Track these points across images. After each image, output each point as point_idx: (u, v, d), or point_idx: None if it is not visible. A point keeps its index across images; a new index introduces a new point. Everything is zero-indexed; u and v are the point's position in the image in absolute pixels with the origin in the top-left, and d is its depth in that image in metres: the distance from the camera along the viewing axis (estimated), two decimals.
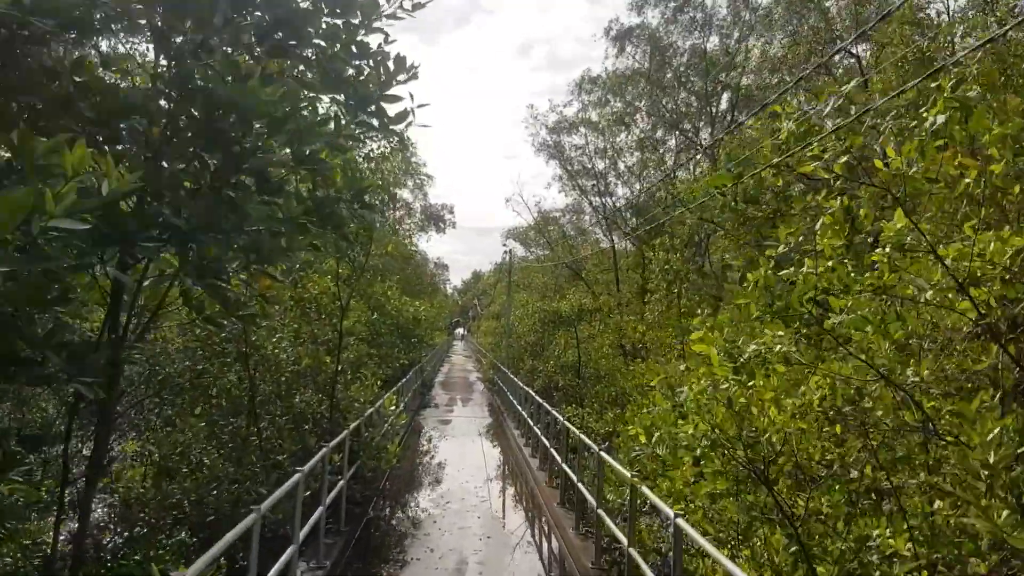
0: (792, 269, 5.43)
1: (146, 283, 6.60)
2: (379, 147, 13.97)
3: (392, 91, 6.12)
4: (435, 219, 47.98)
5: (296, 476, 6.98)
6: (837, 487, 6.31)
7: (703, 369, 5.94)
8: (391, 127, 6.36)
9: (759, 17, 38.78)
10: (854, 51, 25.70)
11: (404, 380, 21.24)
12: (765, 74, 36.62)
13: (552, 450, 14.28)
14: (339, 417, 11.60)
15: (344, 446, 10.31)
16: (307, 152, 5.86)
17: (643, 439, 6.85)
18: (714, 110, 43.96)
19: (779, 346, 5.40)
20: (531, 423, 18.31)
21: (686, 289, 20.66)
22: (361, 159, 11.54)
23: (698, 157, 46.54)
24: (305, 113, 5.77)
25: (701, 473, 7.36)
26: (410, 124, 6.35)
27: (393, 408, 13.40)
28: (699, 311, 20.60)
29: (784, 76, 29.14)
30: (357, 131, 6.35)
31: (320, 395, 11.82)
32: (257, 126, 5.19)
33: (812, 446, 6.13)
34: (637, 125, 47.57)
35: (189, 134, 5.08)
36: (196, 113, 5.01)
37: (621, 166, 50.24)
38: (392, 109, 6.20)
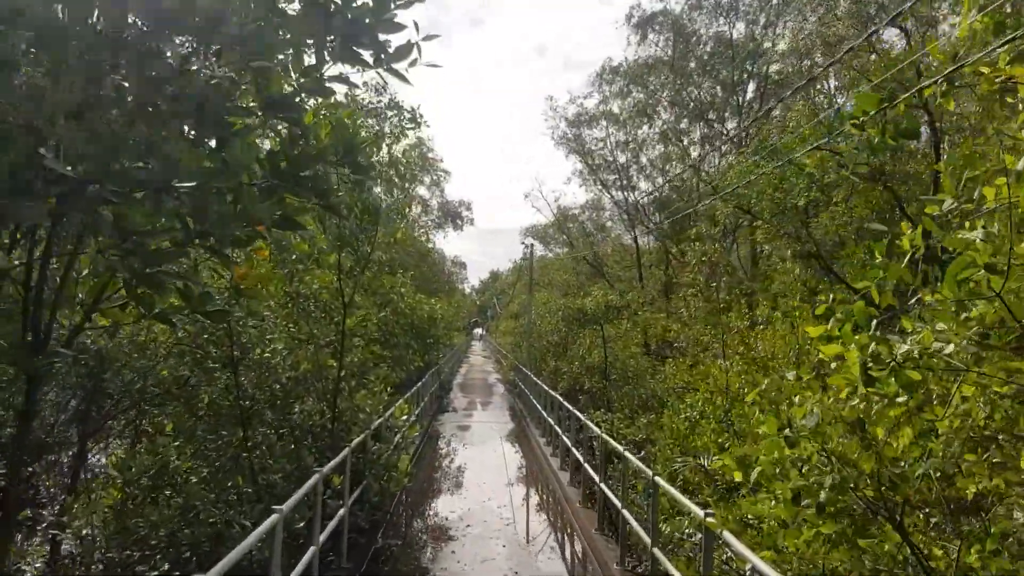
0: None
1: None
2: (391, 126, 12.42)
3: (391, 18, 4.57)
4: (452, 216, 46.52)
5: (273, 518, 5.42)
6: (990, 534, 4.67)
7: (836, 379, 4.26)
8: (391, 64, 4.76)
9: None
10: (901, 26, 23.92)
11: (419, 384, 19.66)
12: (793, 60, 34.98)
13: (587, 465, 12.71)
14: (342, 430, 10.06)
15: (345, 466, 8.77)
16: (277, 97, 4.36)
17: (737, 475, 5.13)
18: (741, 99, 42.30)
19: (950, 345, 3.72)
20: (558, 430, 16.73)
21: (725, 282, 18.98)
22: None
23: (724, 147, 44.91)
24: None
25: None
26: (415, 63, 4.76)
27: (405, 418, 11.85)
28: (735, 306, 18.84)
29: (816, 61, 27.44)
30: (345, 69, 4.77)
31: (322, 404, 10.29)
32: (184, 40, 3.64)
33: (967, 480, 4.47)
34: (660, 116, 45.98)
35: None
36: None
37: (643, 159, 48.68)
38: (389, 39, 4.65)
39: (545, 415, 19.87)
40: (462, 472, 16.29)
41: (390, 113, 18.51)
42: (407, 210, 10.01)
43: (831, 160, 23.18)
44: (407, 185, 45.56)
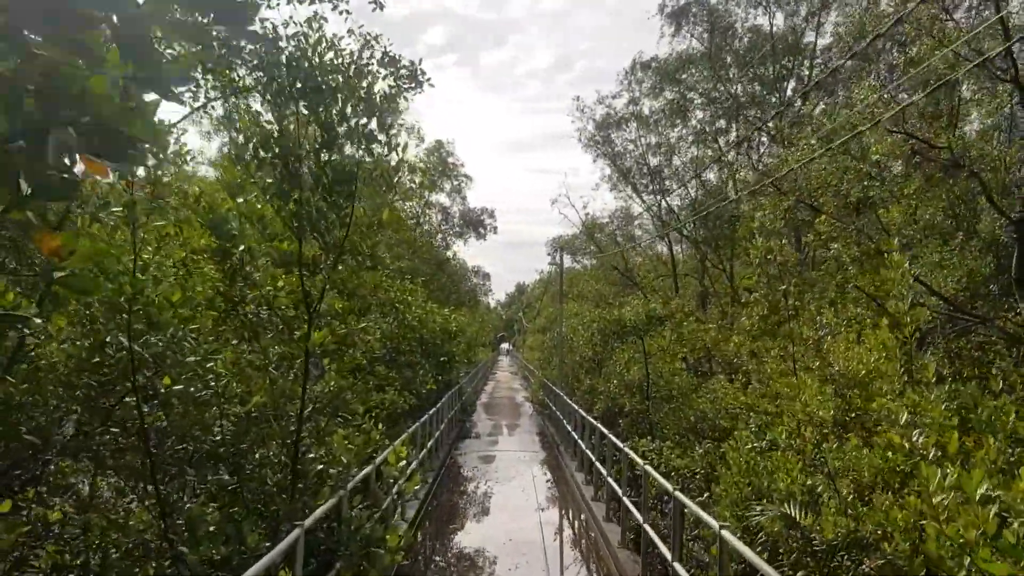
0: None
1: None
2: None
3: None
4: (475, 224, 43.61)
5: None
6: None
7: None
8: None
9: None
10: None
11: (431, 412, 16.58)
12: (837, 54, 32.04)
13: (647, 527, 9.69)
14: (308, 489, 7.12)
15: (296, 552, 5.84)
16: None
17: None
18: (783, 96, 39.26)
19: None
20: (601, 469, 13.68)
21: (795, 286, 15.87)
22: None
23: (763, 144, 41.79)
24: None
25: None
26: None
27: (403, 464, 8.84)
28: (803, 313, 15.68)
29: (864, 52, 24.36)
30: None
31: (283, 450, 7.37)
32: None
33: None
34: (695, 115, 43.09)
35: None
36: None
37: (676, 162, 45.81)
38: None
39: (583, 446, 16.81)
40: (484, 526, 13.27)
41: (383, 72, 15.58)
42: (396, 179, 6.96)
43: (903, 145, 19.99)
44: (426, 193, 42.97)
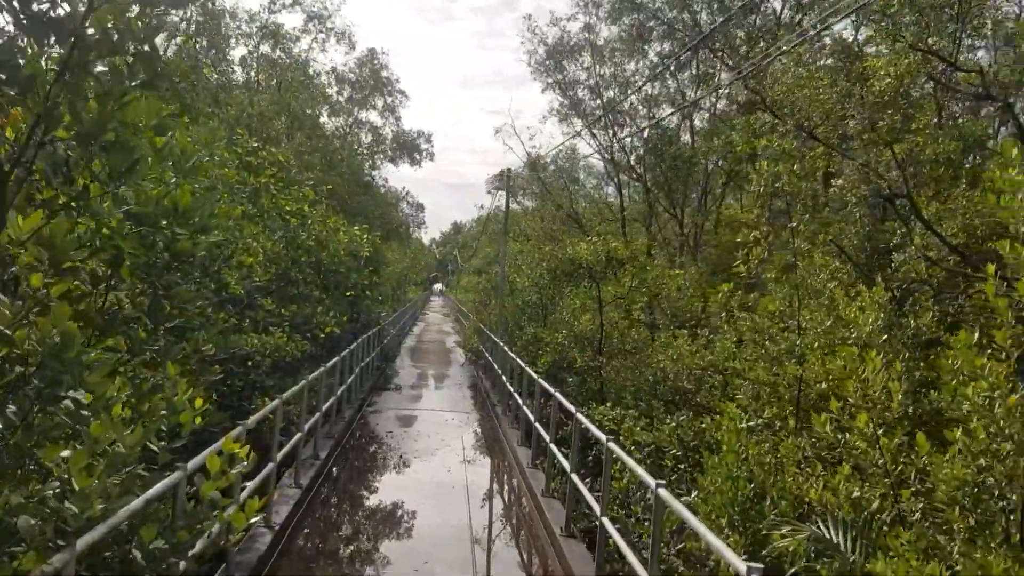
0: None
1: None
2: None
3: None
4: (409, 149, 39.24)
5: None
6: None
7: None
8: None
9: None
10: None
11: (332, 364, 12.67)
12: None
13: (617, 538, 6.19)
14: None
15: None
16: None
17: None
18: (754, 24, 35.70)
19: None
20: (559, 456, 10.11)
21: (806, 223, 12.47)
22: None
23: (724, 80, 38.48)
24: None
25: None
26: None
27: (239, 471, 4.90)
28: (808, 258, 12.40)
29: None
30: None
31: None
32: None
33: None
34: (653, 47, 39.54)
35: None
36: None
37: (632, 98, 42.26)
38: None
39: (526, 410, 13.30)
40: (390, 543, 9.46)
41: None
42: None
43: (920, 67, 16.55)
44: (355, 109, 38.46)
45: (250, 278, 11.32)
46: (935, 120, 18.50)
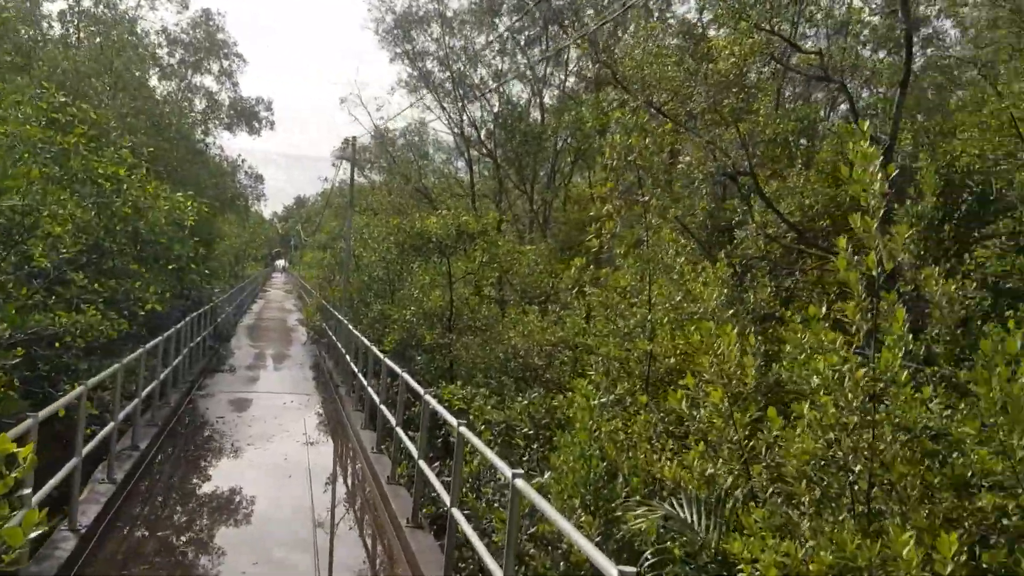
0: None
1: None
2: None
3: None
4: (248, 116, 37.03)
5: None
6: None
7: None
8: None
9: None
10: None
11: (153, 344, 11.46)
12: None
13: (480, 548, 5.70)
14: None
15: None
16: None
17: None
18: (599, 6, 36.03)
19: None
20: (403, 439, 9.44)
21: (659, 196, 12.39)
22: None
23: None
24: None
25: None
26: None
27: None
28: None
29: None
30: None
31: None
32: None
33: None
34: (503, 20, 39.40)
35: None
36: None
37: (482, 71, 41.99)
38: None
39: (372, 392, 12.58)
40: (212, 557, 8.41)
41: None
42: None
43: (763, 47, 16.97)
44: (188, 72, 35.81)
45: (57, 249, 10.02)
46: (774, 103, 19.13)
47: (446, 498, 6.44)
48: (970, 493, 6.49)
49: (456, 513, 6.06)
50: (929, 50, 24.35)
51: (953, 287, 7.87)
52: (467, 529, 5.76)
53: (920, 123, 18.74)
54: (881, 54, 23.57)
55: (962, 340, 10.37)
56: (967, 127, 14.33)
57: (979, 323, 9.91)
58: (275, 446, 12.50)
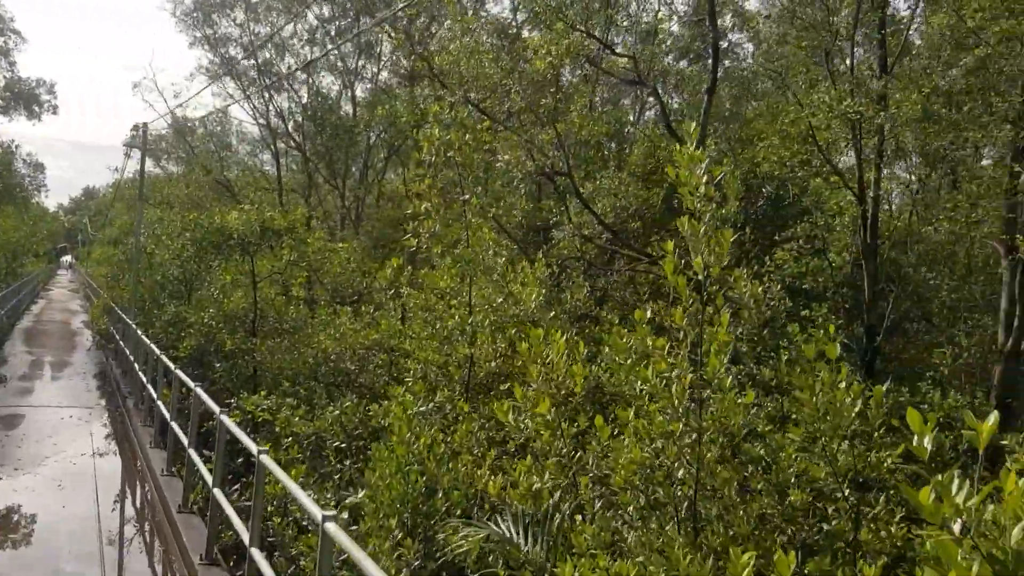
0: None
1: None
2: None
3: None
4: (27, 99, 33.25)
5: None
6: None
7: None
8: None
9: None
10: None
11: None
12: None
13: None
14: None
15: None
16: None
17: None
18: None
19: None
20: (197, 463, 8.34)
21: (479, 194, 11.98)
22: None
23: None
24: None
25: None
26: None
27: None
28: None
29: None
30: None
31: None
32: None
33: None
34: (314, 9, 37.93)
35: None
36: None
37: (290, 60, 40.26)
38: None
39: (162, 407, 11.27)
40: None
41: None
42: None
43: (578, 48, 17.16)
44: None
45: None
46: (587, 106, 19.35)
47: (245, 536, 5.61)
48: (790, 499, 6.51)
49: (256, 554, 5.27)
50: (726, 62, 25.65)
51: (759, 288, 7.92)
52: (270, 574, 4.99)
53: (722, 130, 19.59)
54: (683, 63, 24.62)
55: (768, 340, 10.71)
56: (767, 135, 15.01)
57: (782, 323, 10.27)
58: (47, 471, 10.90)
